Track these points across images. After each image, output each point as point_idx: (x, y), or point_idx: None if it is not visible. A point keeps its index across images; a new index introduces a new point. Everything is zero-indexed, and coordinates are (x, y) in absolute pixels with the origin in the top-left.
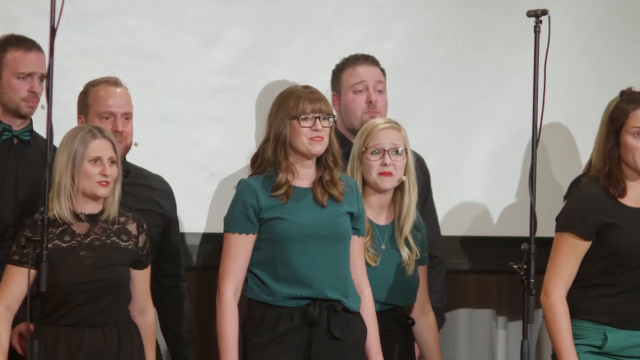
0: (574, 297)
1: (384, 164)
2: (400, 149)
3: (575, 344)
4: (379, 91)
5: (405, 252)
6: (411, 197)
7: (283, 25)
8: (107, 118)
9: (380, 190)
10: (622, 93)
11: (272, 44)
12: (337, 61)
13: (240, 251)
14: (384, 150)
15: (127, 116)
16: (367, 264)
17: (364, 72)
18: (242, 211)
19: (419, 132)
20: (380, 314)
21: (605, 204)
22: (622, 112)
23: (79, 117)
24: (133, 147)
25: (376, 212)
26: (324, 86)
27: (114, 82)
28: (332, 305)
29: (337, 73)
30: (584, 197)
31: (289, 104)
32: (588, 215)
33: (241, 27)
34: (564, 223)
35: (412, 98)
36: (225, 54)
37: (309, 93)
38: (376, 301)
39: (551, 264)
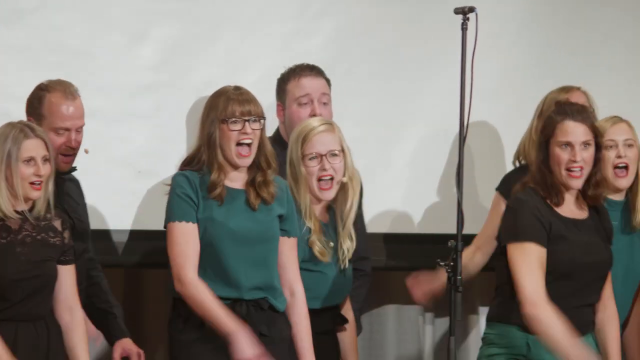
0: (504, 306)
1: (323, 169)
2: (336, 150)
3: (500, 353)
4: (324, 103)
5: (346, 245)
6: (355, 191)
7: (210, 22)
8: (61, 133)
9: (320, 200)
10: (557, 103)
11: (198, 41)
12: (282, 70)
13: (189, 237)
14: (321, 155)
15: (80, 129)
16: (320, 262)
17: (308, 84)
18: (183, 200)
19: (345, 130)
20: (320, 312)
21: (548, 213)
22: (551, 123)
23: (28, 119)
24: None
25: (318, 212)
26: (251, 83)
27: (71, 94)
28: (258, 303)
29: (282, 83)
30: (530, 206)
31: (218, 106)
32: (541, 223)
33: (168, 24)
34: (522, 234)
35: (338, 95)
36: (151, 51)
37: (238, 95)
38: (314, 299)
39: (523, 280)
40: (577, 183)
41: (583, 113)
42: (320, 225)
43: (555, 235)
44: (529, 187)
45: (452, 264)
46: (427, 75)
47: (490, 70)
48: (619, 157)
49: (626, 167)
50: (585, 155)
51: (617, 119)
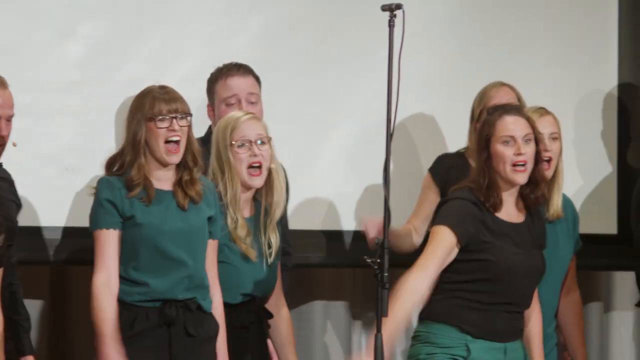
0: (443, 305)
1: (254, 155)
2: (264, 138)
3: (439, 353)
4: (252, 103)
5: (274, 239)
6: (281, 183)
7: (137, 19)
8: None
9: (249, 187)
10: (488, 109)
11: (126, 38)
12: (211, 68)
13: (108, 243)
14: (251, 142)
15: (9, 118)
16: (248, 259)
17: (235, 84)
18: (105, 207)
19: (274, 126)
20: (241, 306)
21: (482, 217)
22: (489, 123)
23: None
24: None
25: (242, 205)
26: (178, 80)
27: (2, 83)
28: (186, 304)
29: (210, 85)
30: (465, 203)
31: (144, 106)
32: (468, 220)
33: (95, 21)
34: (443, 219)
35: (266, 93)
36: (78, 48)
37: (164, 93)
38: (239, 294)
39: (421, 260)
40: (523, 177)
41: (518, 108)
42: (244, 221)
43: (484, 242)
44: (468, 188)
45: (378, 260)
46: (355, 72)
47: (418, 67)
48: (545, 150)
49: (549, 160)
50: (528, 150)
51: (543, 111)
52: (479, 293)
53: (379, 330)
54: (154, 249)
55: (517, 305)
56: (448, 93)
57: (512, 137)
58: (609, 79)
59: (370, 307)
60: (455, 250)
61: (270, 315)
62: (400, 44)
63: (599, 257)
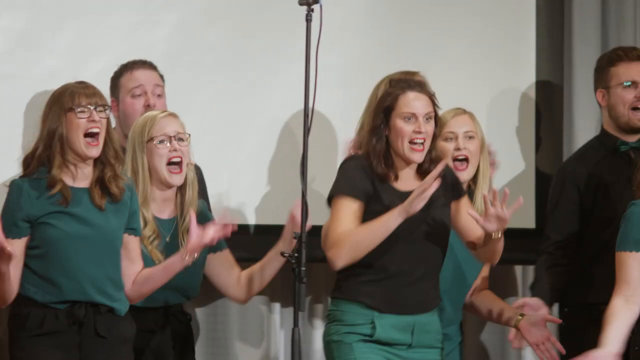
0: (348, 282)
1: (174, 150)
2: (183, 135)
3: (347, 332)
4: (158, 95)
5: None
6: (193, 180)
7: (54, 12)
8: None
9: (169, 185)
10: (391, 81)
11: (42, 31)
12: (115, 67)
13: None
14: (170, 137)
15: None
16: (153, 261)
17: (141, 76)
18: (8, 214)
19: (191, 121)
20: (159, 310)
21: (373, 176)
22: (391, 96)
23: None
24: None
25: (159, 206)
26: (94, 75)
27: None
28: (96, 307)
29: (115, 79)
30: (355, 163)
31: (63, 99)
32: (358, 179)
33: (11, 14)
34: (336, 189)
35: (183, 87)
36: None
37: (83, 88)
38: (159, 299)
39: (329, 231)
40: (420, 156)
41: (422, 85)
42: (155, 221)
43: (371, 196)
44: (363, 155)
45: (296, 255)
46: (273, 66)
47: (335, 61)
48: (458, 149)
49: (466, 160)
50: (428, 128)
51: (460, 111)
52: (374, 264)
53: (296, 324)
54: (64, 253)
55: (423, 273)
56: (367, 87)
57: (414, 115)
58: (526, 77)
59: (288, 300)
60: (360, 207)
61: (186, 318)
62: (318, 38)
63: (516, 252)
